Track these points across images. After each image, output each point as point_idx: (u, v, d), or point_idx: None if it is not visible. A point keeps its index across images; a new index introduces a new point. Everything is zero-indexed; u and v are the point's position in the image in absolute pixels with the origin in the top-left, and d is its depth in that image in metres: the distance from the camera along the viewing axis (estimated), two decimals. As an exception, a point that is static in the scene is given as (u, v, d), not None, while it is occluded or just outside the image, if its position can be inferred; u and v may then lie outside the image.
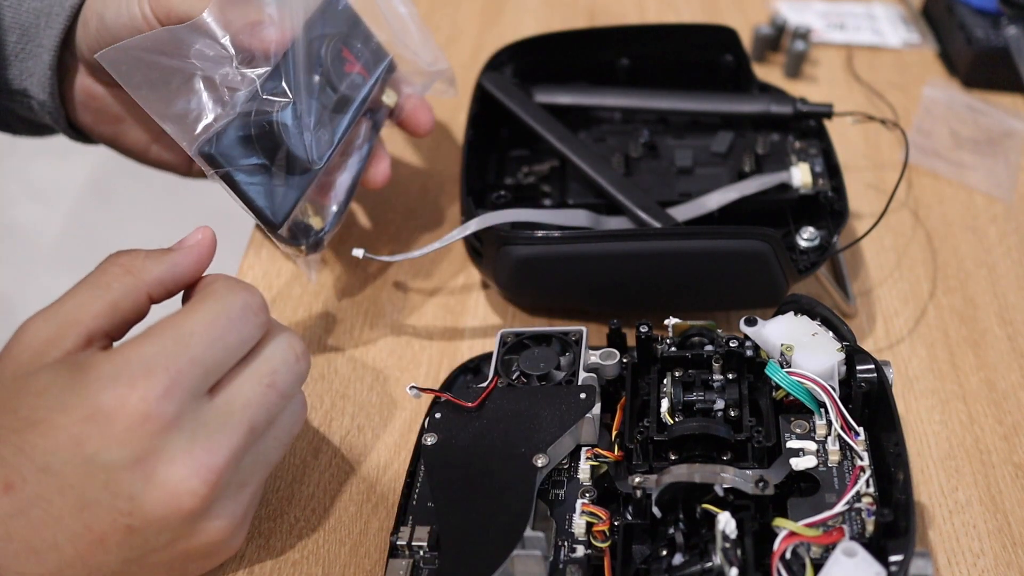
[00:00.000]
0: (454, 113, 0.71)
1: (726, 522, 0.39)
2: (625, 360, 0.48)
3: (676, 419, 0.45)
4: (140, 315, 0.41)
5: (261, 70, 0.48)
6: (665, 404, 0.45)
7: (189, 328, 0.37)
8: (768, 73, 0.76)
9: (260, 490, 0.42)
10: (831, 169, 0.58)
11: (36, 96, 0.55)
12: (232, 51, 0.47)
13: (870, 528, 0.39)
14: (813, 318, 0.46)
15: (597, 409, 0.45)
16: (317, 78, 0.50)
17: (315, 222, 0.52)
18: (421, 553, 0.42)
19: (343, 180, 0.53)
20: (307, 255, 0.52)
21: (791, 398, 0.44)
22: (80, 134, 0.59)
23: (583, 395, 0.45)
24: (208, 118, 0.47)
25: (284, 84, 0.49)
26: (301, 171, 0.50)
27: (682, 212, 0.56)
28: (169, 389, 0.36)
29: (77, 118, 0.57)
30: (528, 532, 0.40)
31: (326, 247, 0.54)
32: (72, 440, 0.36)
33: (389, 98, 0.55)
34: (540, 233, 0.52)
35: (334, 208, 0.53)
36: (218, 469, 0.37)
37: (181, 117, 0.46)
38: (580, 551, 0.42)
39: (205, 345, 0.37)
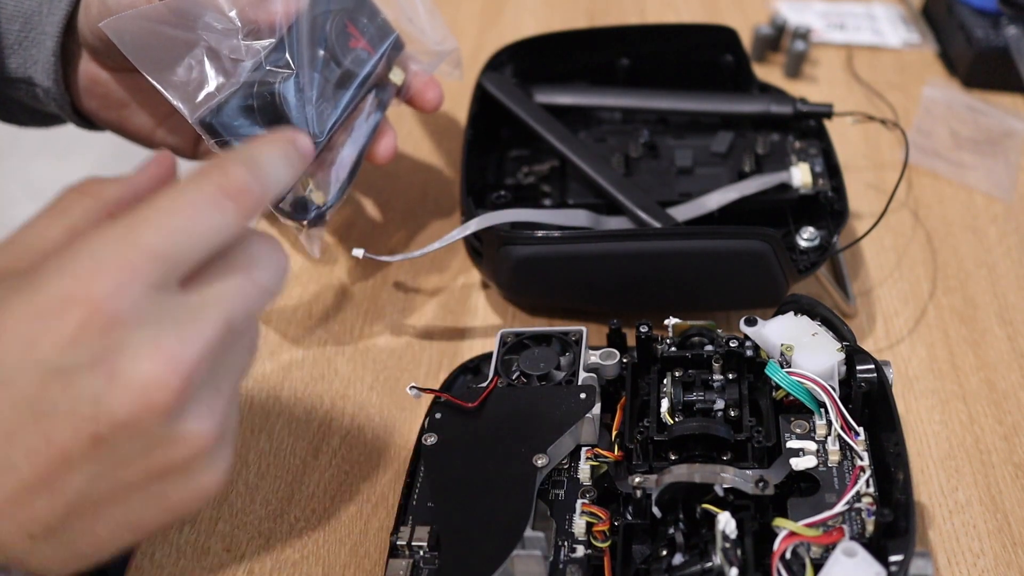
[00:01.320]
0: (455, 113, 0.71)
1: (726, 522, 0.39)
2: (625, 360, 0.48)
3: (676, 419, 0.45)
4: None
5: (266, 42, 0.48)
6: (665, 404, 0.45)
7: (146, 215, 0.32)
8: (768, 73, 0.76)
9: (237, 406, 0.37)
10: (831, 169, 0.58)
11: (41, 83, 0.55)
12: (238, 23, 0.48)
13: (870, 528, 0.39)
14: (813, 318, 0.46)
15: (597, 409, 0.45)
16: (322, 52, 0.50)
17: (317, 197, 0.52)
18: (421, 553, 0.42)
19: (346, 156, 0.53)
20: (309, 229, 0.52)
21: (791, 398, 0.44)
22: (85, 121, 0.59)
23: (583, 395, 0.45)
24: (210, 87, 0.47)
25: (288, 56, 0.49)
26: None
27: (682, 212, 0.56)
28: (122, 283, 0.31)
29: (82, 104, 0.57)
30: (528, 532, 0.40)
31: (328, 222, 0.54)
32: (20, 343, 0.31)
33: (396, 76, 0.55)
34: (540, 233, 0.52)
35: (336, 184, 0.53)
36: (190, 361, 0.32)
37: (183, 85, 0.46)
38: (580, 551, 0.42)
39: (165, 234, 0.32)
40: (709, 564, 0.39)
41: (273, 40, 0.49)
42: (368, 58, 0.53)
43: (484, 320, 0.58)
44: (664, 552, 0.40)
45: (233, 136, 0.47)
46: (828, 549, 0.38)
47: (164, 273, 0.32)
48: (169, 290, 0.32)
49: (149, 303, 0.32)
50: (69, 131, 0.63)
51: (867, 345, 0.56)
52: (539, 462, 0.42)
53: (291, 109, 0.48)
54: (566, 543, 0.42)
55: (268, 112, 0.48)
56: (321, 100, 0.50)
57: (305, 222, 0.51)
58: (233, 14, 0.48)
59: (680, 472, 0.41)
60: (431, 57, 0.57)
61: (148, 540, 0.46)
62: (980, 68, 0.74)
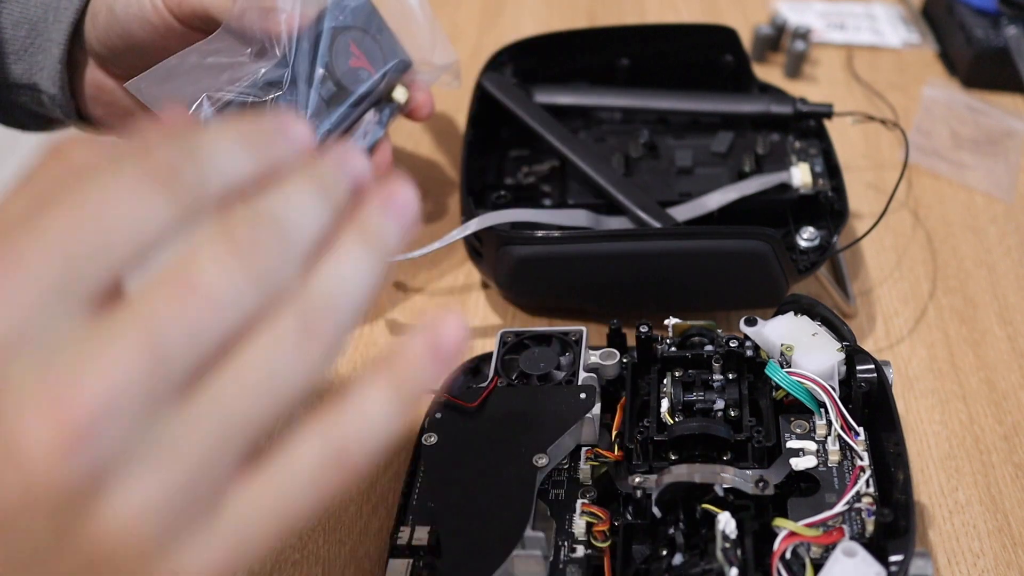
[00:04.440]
0: (454, 113, 0.71)
1: (726, 522, 0.39)
2: (625, 360, 0.48)
3: (676, 419, 0.45)
4: None
5: (268, 60, 0.48)
6: (665, 404, 0.45)
7: (51, 203, 0.23)
8: (768, 73, 0.76)
9: (246, 516, 0.25)
10: (831, 169, 0.58)
11: (46, 90, 0.55)
12: (248, 56, 0.48)
13: (870, 528, 0.39)
14: (813, 318, 0.46)
15: (597, 409, 0.45)
16: (322, 71, 0.51)
17: None
18: (421, 553, 0.42)
19: None
20: None
21: (791, 398, 0.44)
22: (91, 127, 0.59)
23: (583, 395, 0.45)
24: (205, 103, 0.47)
25: (284, 73, 0.49)
26: None
27: (682, 212, 0.56)
28: (6, 290, 0.22)
29: (88, 111, 0.57)
30: (528, 532, 0.40)
31: None
32: None
33: (400, 95, 0.55)
34: (540, 233, 0.52)
35: None
36: (91, 412, 0.21)
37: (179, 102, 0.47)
38: (580, 551, 0.42)
39: (69, 224, 0.22)
40: (709, 564, 0.39)
41: (276, 57, 0.49)
42: (367, 78, 0.53)
43: (484, 320, 0.58)
44: (664, 552, 0.40)
45: None
46: (828, 549, 0.38)
47: (66, 277, 0.22)
48: (79, 299, 0.22)
49: (46, 318, 0.22)
50: (71, 134, 0.63)
51: (867, 345, 0.56)
52: (539, 462, 0.42)
53: None
54: (566, 543, 0.42)
55: None
56: (315, 118, 0.50)
57: None
58: (244, 52, 0.48)
59: (680, 472, 0.41)
60: (431, 69, 0.57)
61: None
62: (980, 68, 0.74)
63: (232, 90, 0.48)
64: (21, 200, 0.24)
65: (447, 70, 0.58)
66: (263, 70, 0.48)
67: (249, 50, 0.49)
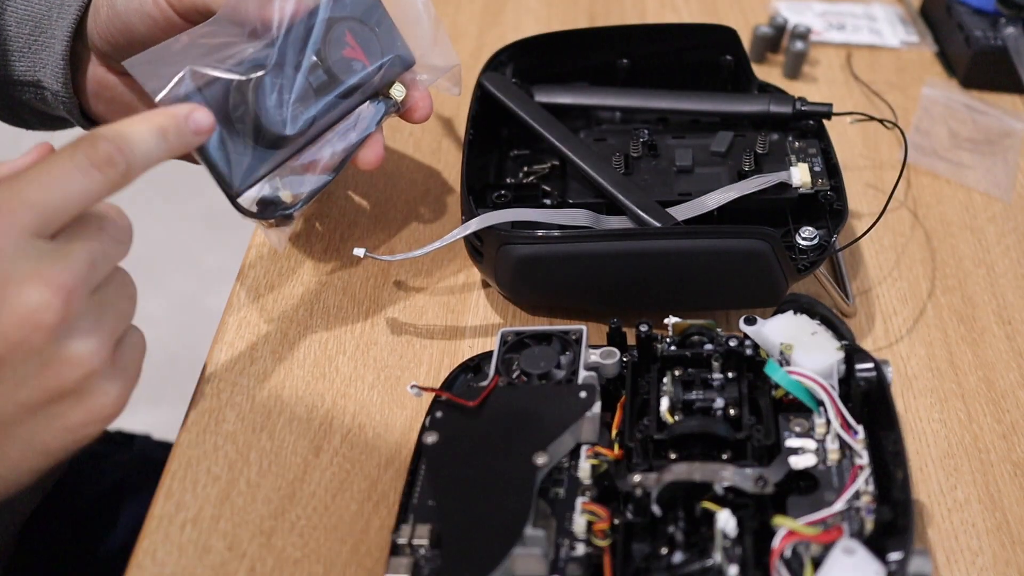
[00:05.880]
0: (455, 113, 0.72)
1: (726, 520, 0.39)
2: (625, 359, 0.48)
3: (676, 418, 0.45)
4: None
5: (259, 43, 0.49)
6: (665, 403, 0.45)
7: (26, 176, 0.37)
8: (768, 73, 0.76)
9: (134, 350, 0.42)
10: (830, 169, 0.58)
11: (50, 87, 0.55)
12: (243, 39, 0.49)
13: (869, 526, 0.39)
14: (812, 317, 0.46)
15: (597, 408, 0.45)
16: (314, 58, 0.51)
17: (285, 196, 0.52)
18: (422, 551, 0.42)
19: (324, 161, 0.53)
20: (276, 227, 0.52)
21: (791, 397, 0.45)
22: (93, 124, 0.59)
23: (583, 394, 0.45)
24: (187, 78, 0.47)
25: (270, 56, 0.49)
26: (273, 145, 0.50)
27: (682, 212, 0.56)
28: (4, 226, 0.36)
29: (90, 108, 0.57)
30: (528, 530, 0.40)
31: (296, 219, 0.53)
32: None
33: (398, 92, 0.55)
34: (540, 233, 0.52)
35: (308, 186, 0.53)
36: (68, 285, 0.37)
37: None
38: (580, 549, 0.42)
39: (42, 190, 0.37)
40: (709, 562, 0.39)
41: (266, 39, 0.49)
42: (360, 69, 0.53)
43: (484, 319, 0.58)
44: (664, 550, 0.40)
45: None
46: (827, 547, 0.38)
47: (40, 223, 0.37)
48: (43, 237, 0.37)
49: (28, 244, 0.36)
50: (74, 132, 0.64)
51: (866, 344, 0.56)
52: (539, 460, 0.42)
53: (266, 109, 0.49)
54: (566, 541, 0.42)
55: (241, 109, 0.48)
56: (299, 103, 0.50)
57: (272, 220, 0.52)
58: (241, 31, 0.49)
59: (680, 470, 0.41)
60: (431, 71, 0.57)
61: (149, 538, 0.46)
62: (978, 68, 0.74)
63: (217, 67, 0.48)
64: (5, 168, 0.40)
65: (447, 74, 0.58)
66: (251, 51, 0.49)
67: (244, 33, 0.49)
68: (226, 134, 0.48)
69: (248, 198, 0.50)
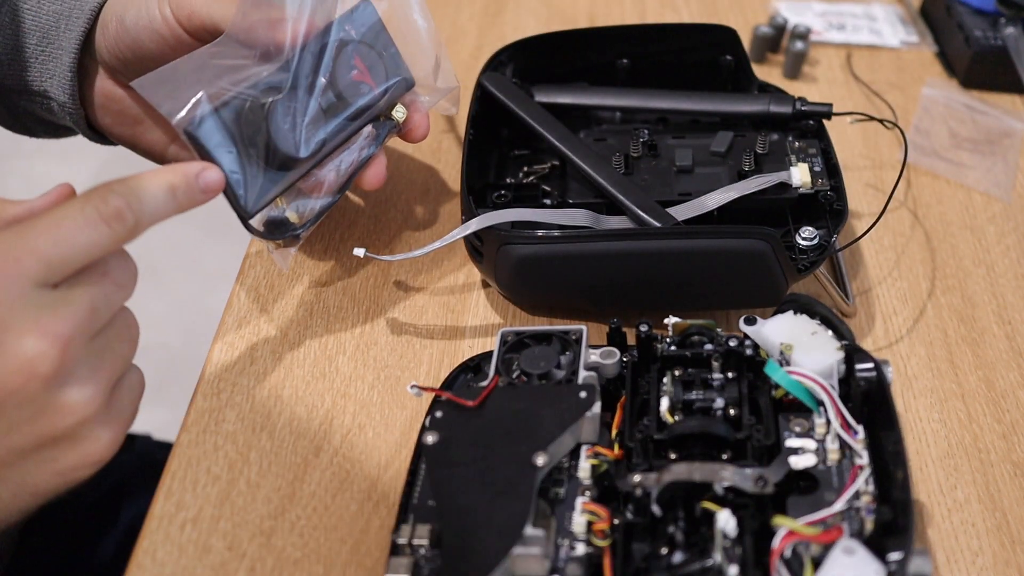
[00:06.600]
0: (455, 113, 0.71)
1: (726, 520, 0.39)
2: (625, 359, 0.48)
3: (676, 418, 0.45)
4: None
5: (271, 65, 0.49)
6: (665, 403, 0.45)
7: (35, 225, 0.38)
8: (768, 73, 0.76)
9: (131, 392, 0.42)
10: (830, 169, 0.58)
11: (56, 98, 0.55)
12: (253, 59, 0.49)
13: (869, 526, 0.39)
14: (812, 317, 0.46)
15: (597, 408, 0.45)
16: (323, 80, 0.51)
17: (292, 217, 0.53)
18: (422, 551, 0.42)
19: (330, 182, 0.53)
20: (282, 247, 0.53)
21: (791, 397, 0.45)
22: (99, 136, 0.59)
23: (583, 394, 0.45)
24: (203, 100, 0.47)
25: (284, 79, 0.49)
26: (284, 166, 0.50)
27: (682, 212, 0.56)
28: (10, 276, 0.37)
29: (96, 120, 0.57)
30: (528, 530, 0.40)
31: (301, 241, 0.54)
32: None
33: (399, 113, 0.55)
34: (540, 233, 0.52)
35: (315, 208, 0.53)
36: (66, 335, 0.37)
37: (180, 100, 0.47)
38: (580, 549, 0.42)
39: (50, 242, 0.38)
40: (709, 562, 0.39)
41: (279, 62, 0.49)
42: (368, 92, 0.53)
43: (484, 319, 0.58)
44: (664, 550, 0.40)
45: (215, 149, 0.47)
46: (827, 547, 0.38)
47: (45, 274, 0.38)
48: (47, 287, 0.38)
49: (31, 293, 0.37)
50: (78, 141, 0.64)
51: (866, 344, 0.56)
52: (539, 460, 0.42)
53: (279, 132, 0.49)
54: (566, 541, 0.42)
55: (254, 131, 0.48)
56: (311, 126, 0.50)
57: (280, 241, 0.52)
58: (247, 53, 0.49)
59: (680, 470, 0.41)
60: (432, 93, 0.57)
61: (149, 538, 0.46)
62: (978, 68, 0.74)
63: (232, 90, 0.48)
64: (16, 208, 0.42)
65: (447, 95, 0.58)
66: (265, 73, 0.49)
67: (254, 54, 0.49)
68: (241, 156, 0.48)
69: (256, 219, 0.50)
